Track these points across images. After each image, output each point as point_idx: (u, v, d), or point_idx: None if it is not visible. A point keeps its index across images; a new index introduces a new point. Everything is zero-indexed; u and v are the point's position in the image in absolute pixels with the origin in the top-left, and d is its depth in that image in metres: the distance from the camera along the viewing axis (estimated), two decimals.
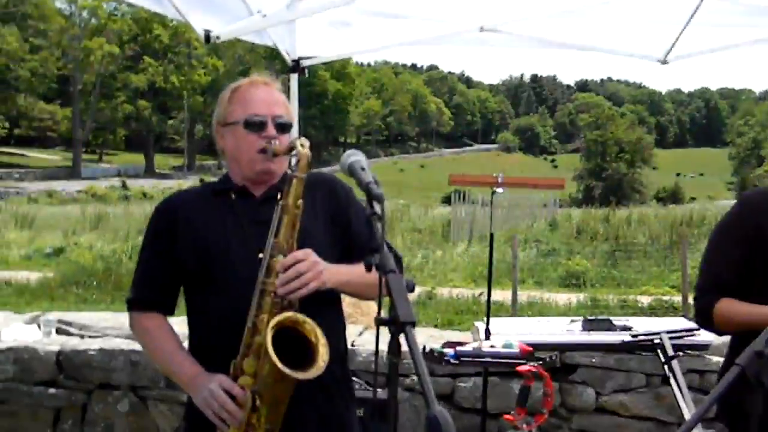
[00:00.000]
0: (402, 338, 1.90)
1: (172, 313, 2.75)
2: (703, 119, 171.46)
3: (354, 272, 2.58)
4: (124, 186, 52.58)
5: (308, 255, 2.44)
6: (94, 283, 13.40)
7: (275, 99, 2.69)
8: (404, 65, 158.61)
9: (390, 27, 4.93)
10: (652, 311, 12.66)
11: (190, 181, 61.55)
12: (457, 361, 4.72)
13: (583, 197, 52.39)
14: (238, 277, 2.52)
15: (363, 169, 2.33)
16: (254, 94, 2.67)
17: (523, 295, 13.50)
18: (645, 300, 13.58)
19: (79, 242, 18.08)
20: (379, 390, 4.31)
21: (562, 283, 15.58)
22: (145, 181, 59.69)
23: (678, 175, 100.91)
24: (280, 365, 2.27)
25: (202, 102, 74.34)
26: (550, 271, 16.54)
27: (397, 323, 1.91)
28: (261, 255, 2.44)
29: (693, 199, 59.07)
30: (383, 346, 1.96)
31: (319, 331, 2.36)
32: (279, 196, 2.49)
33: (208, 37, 3.90)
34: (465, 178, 5.77)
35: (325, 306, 2.59)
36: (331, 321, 2.64)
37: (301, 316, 2.37)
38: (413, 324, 1.89)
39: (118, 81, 68.39)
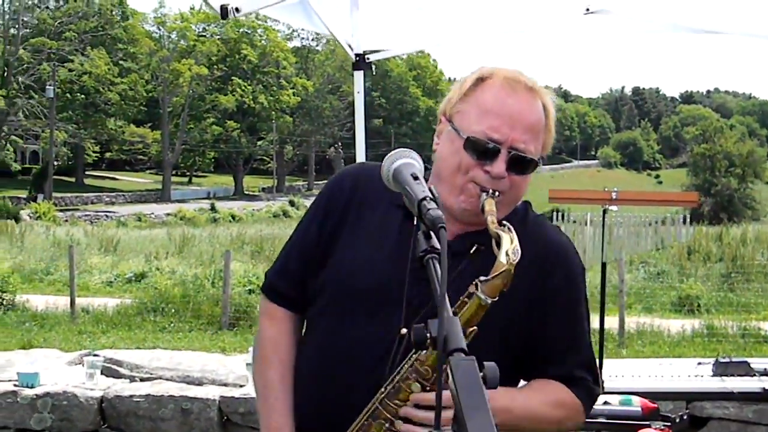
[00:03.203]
0: None
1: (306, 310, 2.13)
2: None
3: (517, 410, 1.85)
4: (213, 208, 53.01)
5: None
6: (173, 310, 12.90)
7: (530, 120, 1.87)
8: None
9: (475, 12, 4.07)
10: None
11: (279, 203, 61.87)
12: None
13: (691, 215, 50.26)
14: (362, 328, 1.88)
15: (415, 178, 1.58)
16: (503, 102, 1.86)
17: (631, 322, 12.41)
18: None
19: (161, 267, 17.74)
20: None
21: (674, 309, 14.35)
22: (234, 203, 60.24)
23: None
24: None
25: (291, 122, 74.83)
26: (660, 295, 15.30)
27: None
28: (403, 330, 1.81)
29: None
30: None
31: None
32: (474, 248, 1.87)
33: (225, 11, 3.11)
34: (569, 194, 4.81)
35: None
36: None
37: None
38: None
39: (207, 102, 69.24)
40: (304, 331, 2.11)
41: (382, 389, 1.77)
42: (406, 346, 1.76)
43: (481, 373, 1.23)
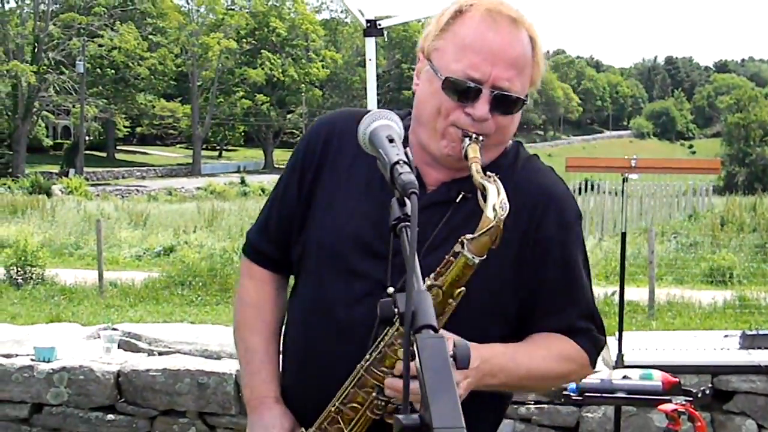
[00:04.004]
0: None
1: (290, 272, 2.01)
2: None
3: (520, 369, 1.73)
4: (243, 182, 53.08)
5: None
6: (200, 284, 12.93)
7: (513, 54, 1.70)
8: None
9: None
10: None
11: None
12: (580, 398, 3.73)
13: (725, 185, 49.71)
14: (346, 288, 1.78)
15: (391, 140, 1.45)
16: (483, 36, 1.69)
17: (662, 294, 12.27)
18: None
19: (189, 240, 17.80)
20: None
21: (706, 280, 14.15)
22: (264, 177, 60.23)
23: None
24: None
25: (321, 95, 74.63)
26: (692, 266, 15.09)
27: None
28: (390, 290, 1.62)
29: None
30: None
31: None
32: (460, 197, 1.74)
33: None
34: (587, 163, 4.66)
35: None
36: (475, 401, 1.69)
37: None
38: None
39: (236, 76, 69.31)
40: (289, 294, 2.01)
41: (367, 356, 1.66)
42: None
43: (451, 352, 1.12)
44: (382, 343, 1.65)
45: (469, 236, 1.56)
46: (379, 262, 1.70)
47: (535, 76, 1.77)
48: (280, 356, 1.98)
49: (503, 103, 1.71)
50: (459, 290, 1.58)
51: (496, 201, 1.53)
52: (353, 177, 1.82)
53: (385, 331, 1.64)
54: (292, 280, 2.05)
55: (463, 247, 1.56)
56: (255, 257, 2.02)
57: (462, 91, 1.69)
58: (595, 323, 1.89)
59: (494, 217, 1.53)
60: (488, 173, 1.60)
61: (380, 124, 1.55)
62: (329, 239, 1.81)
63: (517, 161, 1.85)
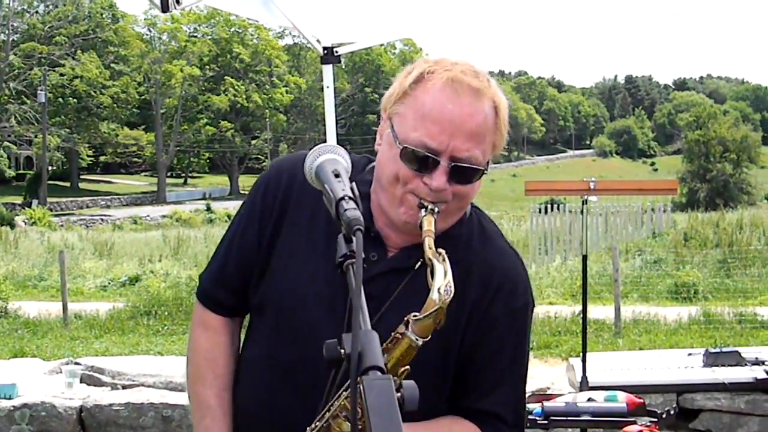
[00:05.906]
0: None
1: (246, 314, 1.98)
2: None
3: None
4: (209, 209, 52.86)
5: None
6: (166, 313, 12.80)
7: (472, 125, 1.66)
8: (491, 72, 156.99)
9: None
10: None
11: None
12: (545, 421, 3.73)
13: (687, 201, 50.28)
14: (304, 349, 1.73)
15: (337, 176, 1.44)
16: (442, 106, 1.65)
17: (627, 311, 12.32)
18: (765, 312, 12.21)
19: (155, 269, 17.64)
20: None
21: (671, 296, 14.27)
22: (230, 203, 59.96)
23: None
24: None
25: (285, 120, 74.70)
26: (657, 283, 15.20)
27: None
28: (343, 351, 1.48)
29: None
30: None
31: None
32: (419, 264, 1.69)
33: (165, 4, 2.98)
34: (546, 186, 4.67)
35: None
36: None
37: None
38: None
39: (200, 103, 69.30)
40: (243, 341, 1.96)
41: (313, 425, 1.63)
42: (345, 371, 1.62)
43: (398, 394, 1.10)
44: (327, 414, 1.61)
45: (413, 317, 1.53)
46: (339, 322, 1.66)
47: (497, 142, 1.74)
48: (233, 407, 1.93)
49: (462, 174, 1.68)
50: (403, 369, 1.54)
51: (441, 284, 1.51)
52: (314, 231, 1.78)
53: (330, 404, 1.61)
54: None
55: (407, 327, 1.53)
56: (209, 304, 1.96)
57: (420, 161, 1.66)
58: (515, 416, 1.85)
59: (438, 300, 1.51)
60: (439, 250, 1.58)
61: (326, 158, 1.52)
62: (288, 300, 1.77)
63: (475, 233, 1.84)
